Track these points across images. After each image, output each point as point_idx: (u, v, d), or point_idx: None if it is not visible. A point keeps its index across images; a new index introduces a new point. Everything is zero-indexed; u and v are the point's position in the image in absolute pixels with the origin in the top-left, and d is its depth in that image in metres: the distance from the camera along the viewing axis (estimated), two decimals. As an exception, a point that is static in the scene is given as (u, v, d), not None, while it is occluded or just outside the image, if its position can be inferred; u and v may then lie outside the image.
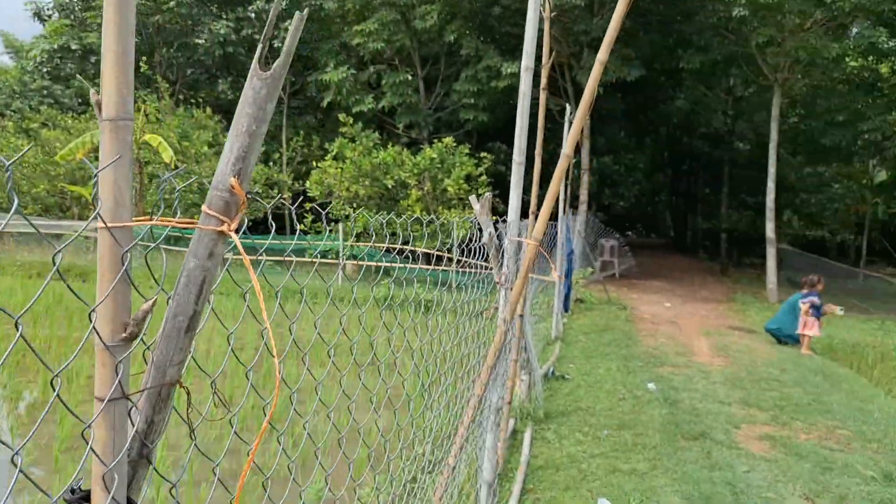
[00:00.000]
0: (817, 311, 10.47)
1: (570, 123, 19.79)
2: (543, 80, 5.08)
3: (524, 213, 4.91)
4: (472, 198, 6.30)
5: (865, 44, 15.38)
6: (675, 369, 8.54)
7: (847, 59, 17.22)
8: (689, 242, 35.60)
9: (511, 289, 3.69)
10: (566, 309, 10.83)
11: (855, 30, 16.13)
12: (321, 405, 5.83)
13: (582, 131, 18.07)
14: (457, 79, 19.53)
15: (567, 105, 17.58)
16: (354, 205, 17.40)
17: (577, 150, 19.35)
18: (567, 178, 9.91)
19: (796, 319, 10.56)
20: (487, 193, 4.39)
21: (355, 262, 14.58)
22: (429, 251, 6.08)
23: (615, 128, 20.09)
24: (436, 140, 18.02)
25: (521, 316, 5.20)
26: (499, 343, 3.61)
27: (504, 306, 3.70)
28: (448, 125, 21.65)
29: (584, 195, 18.59)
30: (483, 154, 17.51)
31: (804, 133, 18.93)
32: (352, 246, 15.08)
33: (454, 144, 17.31)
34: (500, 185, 22.78)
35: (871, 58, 17.19)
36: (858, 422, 6.62)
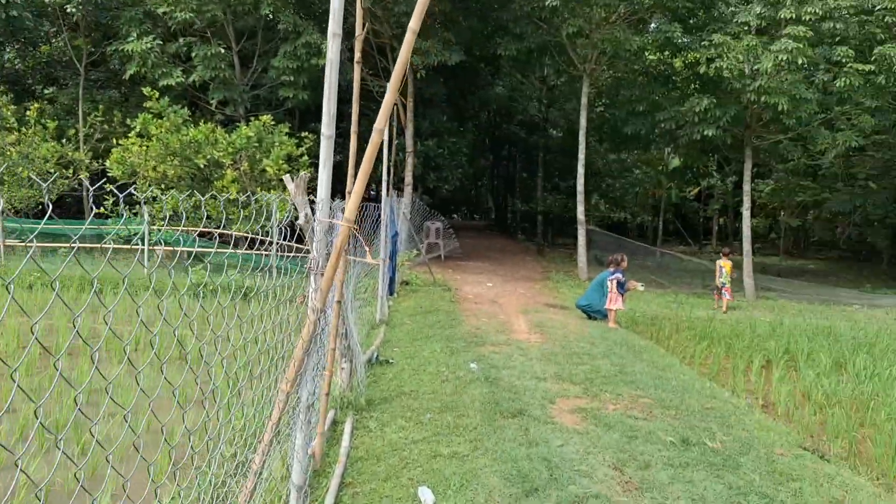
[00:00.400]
0: (621, 287, 11.21)
1: (400, 105, 19.59)
2: (357, 54, 4.81)
3: (342, 194, 4.64)
4: (287, 177, 5.89)
5: (662, 38, 16.72)
6: (496, 348, 8.71)
7: (647, 53, 18.63)
8: (509, 224, 37.23)
9: (322, 274, 3.40)
10: (391, 292, 10.71)
11: (653, 25, 17.46)
12: (119, 407, 5.19)
13: (406, 114, 17.96)
14: (275, 55, 18.65)
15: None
16: (163, 186, 16.08)
17: (402, 132, 19.33)
18: (390, 160, 9.75)
19: (604, 296, 11.23)
20: (304, 173, 4.05)
21: (163, 248, 13.46)
22: (246, 234, 5.63)
23: (438, 112, 20.32)
24: (253, 118, 17.11)
25: (339, 302, 4.92)
26: (308, 335, 3.32)
27: (315, 293, 3.41)
28: (267, 103, 20.69)
29: (408, 177, 18.60)
30: (305, 134, 16.89)
31: (609, 122, 20.34)
32: (159, 230, 13.89)
33: (273, 123, 16.53)
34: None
35: (666, 52, 18.73)
36: (658, 390, 7.09)
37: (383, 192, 9.58)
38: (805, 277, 24.77)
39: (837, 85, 15.36)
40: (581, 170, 18.28)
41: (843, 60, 15.27)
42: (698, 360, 9.89)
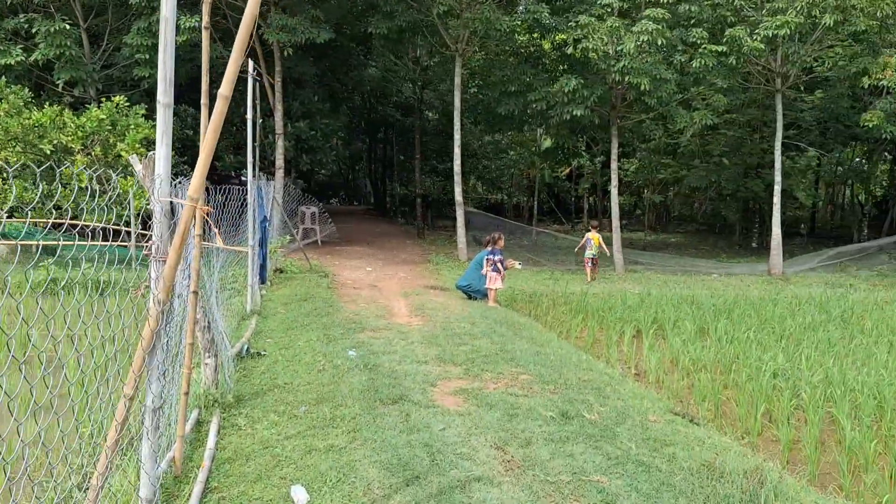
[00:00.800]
0: (497, 267, 11.27)
1: (260, 85, 18.68)
2: (206, 18, 4.35)
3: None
4: (133, 158, 5.32)
5: (531, 19, 16.93)
6: (376, 333, 8.46)
7: (517, 35, 18.85)
8: (388, 208, 36.95)
9: (165, 261, 3.01)
10: (263, 280, 10.18)
11: (522, 6, 17.67)
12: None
13: (275, 94, 17.12)
14: (128, 31, 17.28)
15: (255, 64, 16.61)
16: (4, 175, 14.52)
17: (270, 113, 18.53)
18: (255, 141, 9.20)
19: (483, 275, 11.25)
20: (152, 153, 3.59)
21: (6, 243, 12.15)
22: (101, 225, 5.03)
23: (310, 93, 19.63)
24: (105, 99, 15.78)
25: (196, 292, 4.49)
26: (150, 332, 2.92)
27: (157, 283, 3.02)
28: (122, 83, 19.19)
29: (279, 160, 17.88)
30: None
31: (482, 102, 20.48)
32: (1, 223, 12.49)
33: (128, 105, 15.31)
34: (190, 151, 20.99)
35: (536, 34, 19.04)
36: (538, 365, 7.12)
37: (249, 174, 9.04)
38: (668, 250, 26.23)
39: (693, 65, 16.19)
40: (457, 151, 18.29)
41: (699, 42, 16.10)
42: (575, 333, 10.11)
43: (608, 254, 17.41)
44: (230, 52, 2.95)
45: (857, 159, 31.99)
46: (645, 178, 28.20)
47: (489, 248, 11.36)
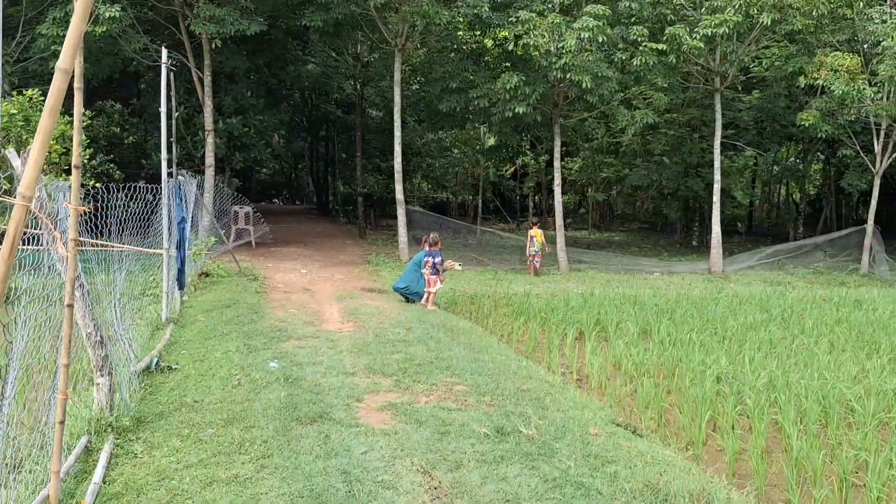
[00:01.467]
0: (436, 269, 10.83)
1: (190, 79, 17.75)
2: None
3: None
4: (10, 152, 4.70)
5: (471, 14, 16.53)
6: (302, 342, 7.89)
7: (458, 30, 18.43)
8: (331, 208, 36.11)
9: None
10: (181, 286, 9.45)
11: (461, 1, 17.26)
12: None
13: (204, 88, 16.19)
14: (43, 21, 16.19)
15: (183, 57, 15.71)
16: None
17: (199, 110, 17.66)
18: (171, 136, 8.52)
19: (422, 277, 10.78)
20: (30, 147, 2.96)
21: None
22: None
23: (243, 88, 18.78)
24: (17, 94, 14.70)
25: (71, 306, 3.87)
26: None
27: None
28: (39, 77, 18.01)
29: (210, 158, 17.03)
30: (84, 112, 14.76)
31: (424, 99, 20.00)
32: None
33: (42, 98, 14.26)
34: (117, 150, 19.89)
35: (477, 30, 18.67)
36: (475, 374, 6.69)
37: (163, 172, 8.34)
38: (611, 248, 26.26)
39: (635, 63, 16.06)
40: (398, 148, 17.76)
41: (639, 40, 15.98)
42: (516, 337, 9.74)
43: (547, 251, 17.46)
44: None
45: (792, 159, 32.75)
46: (588, 176, 28.18)
47: (427, 249, 10.90)
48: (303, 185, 51.93)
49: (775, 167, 32.72)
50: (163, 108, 8.16)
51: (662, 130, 23.06)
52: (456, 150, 32.44)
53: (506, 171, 36.26)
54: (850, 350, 9.00)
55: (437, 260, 10.77)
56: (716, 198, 18.99)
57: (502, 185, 37.28)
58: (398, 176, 17.92)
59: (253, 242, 18.81)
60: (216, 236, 13.97)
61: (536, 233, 17.12)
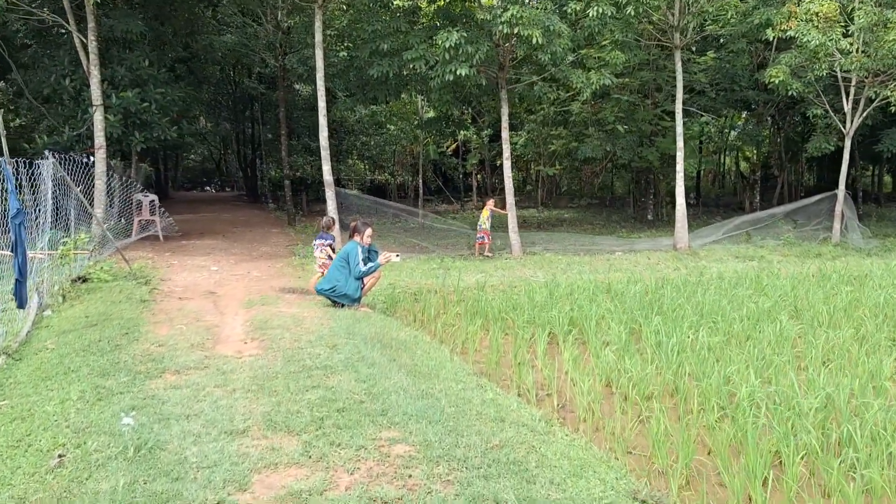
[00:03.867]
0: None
1: (73, 46, 14.97)
2: None
3: None
4: None
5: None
6: (182, 376, 5.65)
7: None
8: (260, 193, 33.37)
9: None
10: (21, 303, 6.97)
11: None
12: None
13: (89, 56, 13.30)
14: None
15: (65, 22, 13.07)
16: None
17: (86, 83, 14.90)
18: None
19: (350, 273, 8.61)
20: None
21: None
22: None
23: (139, 56, 16.04)
24: None
25: None
26: None
27: None
28: None
29: (100, 138, 14.33)
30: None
31: (353, 66, 17.65)
32: None
33: None
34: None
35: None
36: (423, 421, 4.61)
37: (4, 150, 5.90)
38: (563, 227, 24.54)
39: (590, 15, 14.08)
40: (322, 121, 15.37)
41: (595, -12, 13.99)
42: (473, 346, 7.68)
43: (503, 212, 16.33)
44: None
45: (741, 123, 31.56)
46: (535, 150, 26.27)
47: (356, 239, 8.77)
48: (232, 171, 48.65)
49: (732, 133, 31.57)
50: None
51: (615, 97, 21.26)
52: (392, 126, 30.11)
53: (447, 147, 34.14)
54: (883, 342, 7.30)
55: (328, 242, 10.08)
56: (679, 166, 17.31)
57: (444, 164, 35.13)
58: (325, 154, 15.57)
59: (160, 235, 16.22)
60: (85, 232, 11.42)
61: (484, 211, 16.23)
